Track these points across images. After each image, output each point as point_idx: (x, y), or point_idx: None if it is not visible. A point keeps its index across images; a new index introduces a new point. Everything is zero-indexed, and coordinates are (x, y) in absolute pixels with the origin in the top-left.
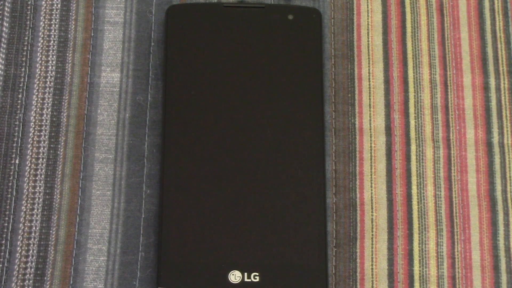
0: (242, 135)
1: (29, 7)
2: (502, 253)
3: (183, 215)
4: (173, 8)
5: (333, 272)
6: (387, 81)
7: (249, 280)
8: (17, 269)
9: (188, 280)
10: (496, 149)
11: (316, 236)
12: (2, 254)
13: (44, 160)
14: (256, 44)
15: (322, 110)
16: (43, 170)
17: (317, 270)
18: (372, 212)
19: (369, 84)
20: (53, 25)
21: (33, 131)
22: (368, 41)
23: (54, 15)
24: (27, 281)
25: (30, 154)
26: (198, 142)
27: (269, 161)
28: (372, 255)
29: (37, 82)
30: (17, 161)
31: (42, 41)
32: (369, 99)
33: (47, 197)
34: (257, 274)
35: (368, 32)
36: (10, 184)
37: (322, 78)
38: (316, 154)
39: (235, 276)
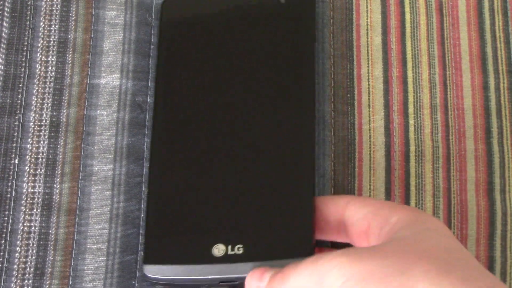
0: (230, 115)
1: (29, 8)
2: (498, 254)
3: (167, 192)
4: (168, 1)
5: None
6: (387, 81)
7: (233, 252)
8: (17, 269)
9: (173, 256)
10: (496, 149)
11: (301, 203)
12: (1, 254)
13: (44, 160)
14: (249, 31)
15: (311, 90)
16: (43, 170)
17: (302, 238)
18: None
19: (368, 84)
20: (53, 26)
21: (32, 131)
22: (367, 41)
23: (54, 16)
24: (26, 281)
25: (30, 154)
26: (184, 121)
27: (254, 128)
28: None
29: (37, 83)
30: (16, 161)
31: (42, 41)
32: (368, 99)
33: (46, 197)
34: (241, 246)
35: (367, 32)
36: (9, 184)
37: (314, 59)
38: (305, 120)
39: (218, 250)
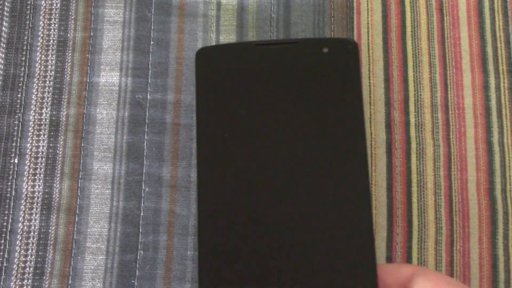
0: (281, 168)
1: (28, 7)
2: (500, 252)
3: (221, 255)
4: (203, 51)
5: None
6: (387, 79)
7: None
8: (16, 268)
9: None
10: (496, 148)
11: (365, 272)
12: (1, 253)
13: (43, 159)
14: (292, 81)
15: (364, 145)
16: (42, 169)
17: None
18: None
19: (369, 82)
20: (53, 25)
21: (32, 130)
22: (368, 40)
23: (54, 15)
24: (26, 280)
25: (29, 153)
26: (235, 174)
27: (308, 186)
28: None
29: (37, 82)
30: (16, 161)
31: (41, 40)
32: (369, 97)
33: (46, 196)
34: None
35: (368, 31)
36: (9, 183)
37: (363, 110)
38: (361, 185)
39: None
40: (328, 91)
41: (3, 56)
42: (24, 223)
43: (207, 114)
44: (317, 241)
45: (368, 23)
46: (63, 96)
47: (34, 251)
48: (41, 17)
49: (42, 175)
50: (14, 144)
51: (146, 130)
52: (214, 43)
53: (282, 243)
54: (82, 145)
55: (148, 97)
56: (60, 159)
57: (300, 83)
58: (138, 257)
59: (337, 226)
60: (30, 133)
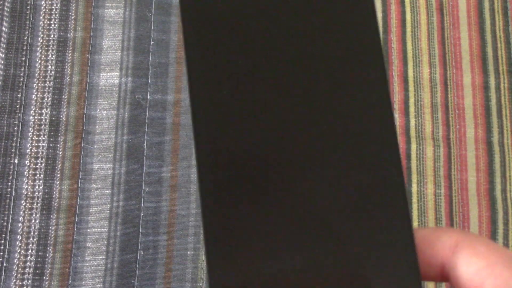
0: (291, 113)
1: (28, 7)
2: None
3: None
4: None
5: None
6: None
7: None
8: (16, 268)
9: None
10: (496, 148)
11: (402, 241)
12: (1, 253)
13: (43, 159)
14: (294, 17)
15: (385, 79)
16: (42, 170)
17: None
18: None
19: None
20: (53, 25)
21: (32, 131)
22: None
23: (54, 15)
24: (26, 280)
25: (29, 153)
26: (231, 132)
27: (326, 134)
28: None
29: (37, 82)
30: (16, 161)
31: (41, 40)
32: None
33: (46, 196)
34: None
35: None
36: (9, 183)
37: (379, 38)
38: (386, 123)
39: None
40: (338, 24)
41: (3, 56)
42: (24, 223)
43: (200, 69)
44: (340, 199)
45: None
46: (63, 96)
47: (34, 251)
48: (41, 17)
49: (42, 175)
50: (14, 144)
51: (146, 130)
52: None
53: (299, 198)
54: (82, 145)
55: (148, 97)
56: (60, 159)
57: (304, 19)
58: (138, 257)
59: (361, 181)
60: (30, 133)
